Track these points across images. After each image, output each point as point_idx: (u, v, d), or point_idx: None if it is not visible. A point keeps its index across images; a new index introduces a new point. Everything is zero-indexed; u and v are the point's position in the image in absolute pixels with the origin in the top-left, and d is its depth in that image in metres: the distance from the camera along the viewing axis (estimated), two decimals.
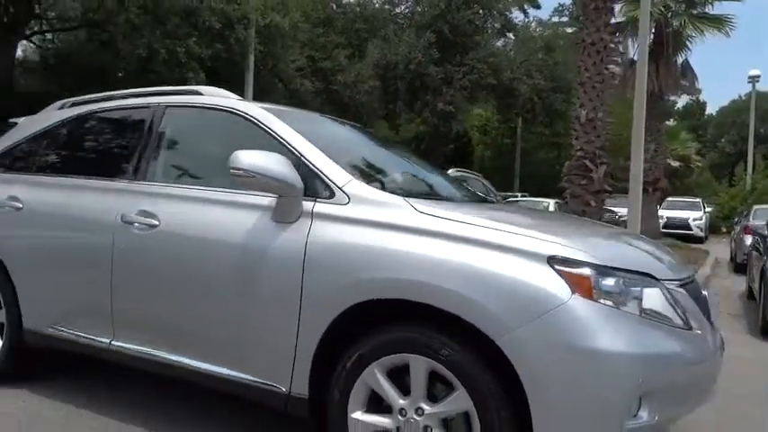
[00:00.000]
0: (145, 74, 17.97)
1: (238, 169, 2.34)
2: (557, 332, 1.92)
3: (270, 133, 2.68)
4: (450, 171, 4.08)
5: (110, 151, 3.32)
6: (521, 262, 2.02)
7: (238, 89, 17.41)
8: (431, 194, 3.06)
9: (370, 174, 2.92)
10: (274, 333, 2.37)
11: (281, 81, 20.87)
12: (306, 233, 2.37)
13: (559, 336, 1.92)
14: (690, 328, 2.17)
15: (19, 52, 19.90)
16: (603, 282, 2.01)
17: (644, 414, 1.99)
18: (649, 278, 2.13)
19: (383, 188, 2.64)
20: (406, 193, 2.54)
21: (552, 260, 2.00)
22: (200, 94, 3.10)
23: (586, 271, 2.00)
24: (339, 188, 2.44)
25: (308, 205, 2.44)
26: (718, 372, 2.38)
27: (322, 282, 2.29)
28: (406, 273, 2.16)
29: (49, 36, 21.04)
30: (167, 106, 3.10)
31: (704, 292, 2.47)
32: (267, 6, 17.39)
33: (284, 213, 2.44)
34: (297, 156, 2.56)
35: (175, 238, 2.69)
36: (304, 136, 2.66)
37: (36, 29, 19.57)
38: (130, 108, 3.29)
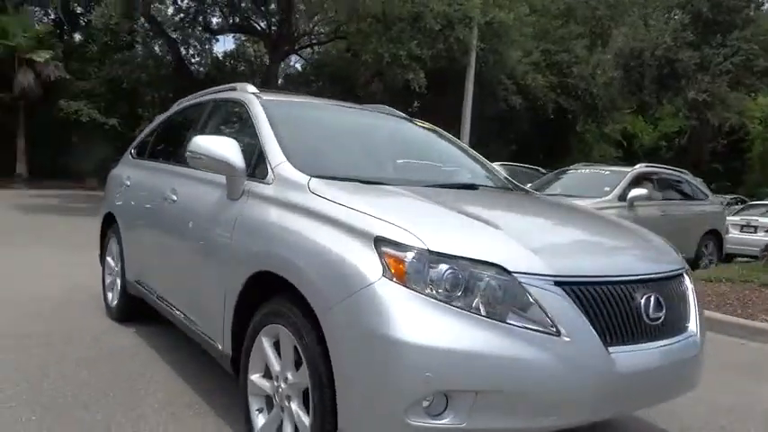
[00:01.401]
0: (379, 77, 19.81)
1: (191, 152, 2.70)
2: (358, 312, 1.86)
3: (251, 120, 2.97)
4: (495, 164, 3.87)
5: (176, 139, 4.02)
6: (352, 241, 1.99)
7: (459, 86, 17.99)
8: (372, 179, 2.63)
9: (321, 157, 2.90)
10: (211, 297, 2.69)
11: (510, 77, 20.73)
12: (241, 209, 2.63)
13: (359, 316, 1.86)
14: (553, 333, 1.85)
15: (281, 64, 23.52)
16: (423, 267, 1.85)
17: (449, 415, 1.79)
18: (496, 269, 1.87)
19: (313, 170, 2.54)
20: (328, 175, 2.50)
21: (378, 241, 1.92)
22: (235, 89, 3.54)
23: (405, 254, 1.87)
24: (271, 169, 2.61)
25: (247, 184, 2.67)
26: (601, 389, 1.94)
27: (237, 255, 2.51)
28: (276, 247, 2.29)
29: (314, 49, 24.49)
30: (214, 101, 3.65)
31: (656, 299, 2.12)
32: (489, 4, 17.52)
33: (231, 191, 2.70)
34: (258, 140, 2.81)
35: (181, 211, 3.21)
36: (276, 124, 2.85)
37: (302, 44, 22.94)
38: (198, 104, 3.93)
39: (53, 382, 3.08)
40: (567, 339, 1.86)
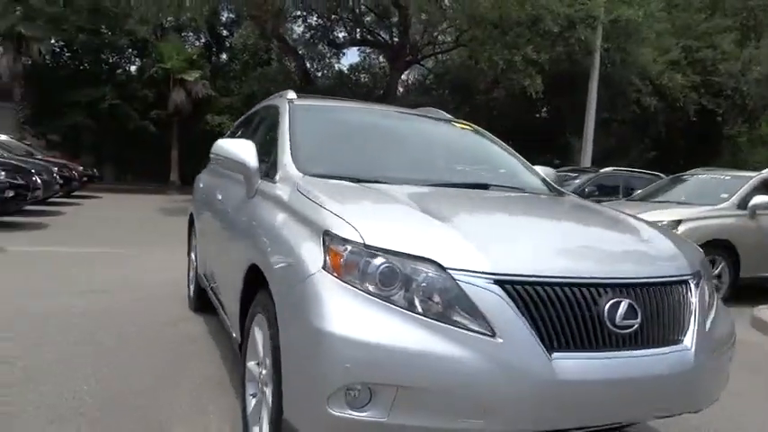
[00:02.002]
0: (496, 84, 19.56)
1: (213, 153, 2.96)
2: (299, 302, 1.94)
3: (277, 124, 3.20)
4: (537, 167, 3.71)
5: None
6: (308, 234, 2.09)
7: (582, 90, 17.19)
8: (370, 178, 2.69)
9: (327, 157, 3.01)
10: (229, 290, 2.92)
11: (642, 77, 19.36)
12: (254, 207, 2.79)
13: (299, 306, 1.93)
14: (486, 334, 1.79)
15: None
16: (359, 260, 1.88)
17: (371, 409, 1.78)
18: (432, 265, 1.85)
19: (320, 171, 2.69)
20: (325, 174, 2.64)
21: (324, 234, 2.00)
22: (281, 96, 3.79)
23: (343, 248, 1.92)
24: (279, 170, 2.78)
25: (260, 184, 2.84)
26: (540, 397, 1.80)
27: (243, 249, 2.71)
28: (260, 241, 2.44)
29: (438, 58, 24.76)
30: (263, 107, 3.97)
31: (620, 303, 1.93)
32: (614, 2, 16.59)
33: (247, 190, 2.90)
34: (277, 143, 3.01)
35: (221, 210, 3.51)
36: (296, 127, 3.05)
37: (425, 53, 23.30)
38: (255, 111, 4.27)
39: (124, 347, 3.72)
40: (500, 341, 1.78)
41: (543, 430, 1.86)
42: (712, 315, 2.25)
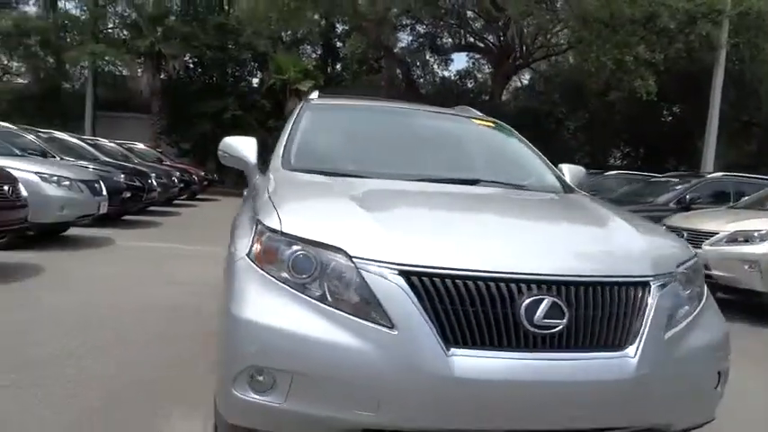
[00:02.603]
0: (610, 87, 18.54)
1: (219, 150, 3.11)
2: (226, 286, 2.04)
3: (288, 122, 3.35)
4: (564, 165, 3.51)
5: None
6: (250, 222, 2.20)
7: (704, 90, 15.82)
8: (351, 173, 2.75)
9: (318, 153, 3.11)
10: None
11: None
12: (245, 198, 2.98)
13: (225, 289, 2.03)
14: (383, 324, 1.76)
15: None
16: (276, 248, 1.93)
17: (271, 393, 1.81)
18: (340, 253, 1.85)
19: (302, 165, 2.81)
20: (306, 169, 2.73)
21: (256, 223, 2.08)
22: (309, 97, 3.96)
23: (265, 235, 1.98)
24: (270, 165, 2.89)
25: (257, 178, 2.97)
26: (435, 393, 1.74)
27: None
28: (233, 229, 2.50)
29: (550, 60, 24.03)
30: (298, 108, 4.15)
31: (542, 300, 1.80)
32: None
33: (248, 185, 3.13)
34: (278, 140, 3.14)
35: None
36: (302, 125, 3.21)
37: (536, 57, 22.71)
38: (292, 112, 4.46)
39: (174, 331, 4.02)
40: (396, 333, 1.74)
41: (441, 429, 1.78)
42: (685, 323, 2.03)
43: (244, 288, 1.93)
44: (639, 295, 1.93)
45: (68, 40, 24.45)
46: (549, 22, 18.47)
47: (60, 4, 25.78)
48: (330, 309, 1.81)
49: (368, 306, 1.78)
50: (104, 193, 8.23)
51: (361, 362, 1.75)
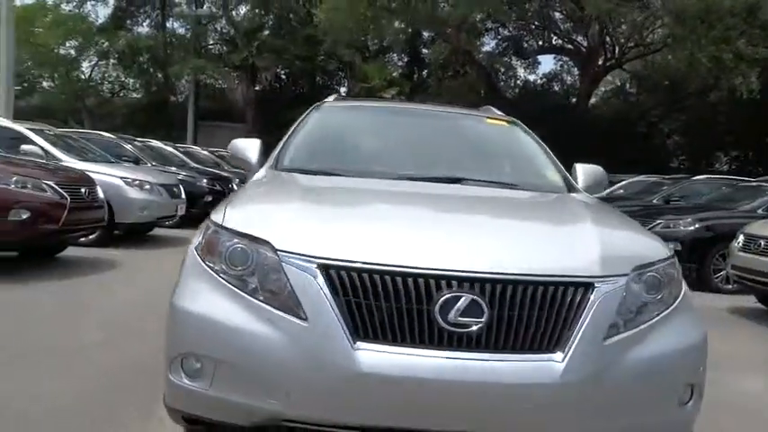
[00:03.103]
0: (711, 86, 17.33)
1: (227, 151, 3.27)
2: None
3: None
4: (580, 165, 3.36)
5: None
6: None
7: None
8: (335, 171, 2.85)
9: (311, 153, 3.15)
10: None
11: None
12: None
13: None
14: (297, 316, 1.77)
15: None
16: (217, 241, 1.98)
17: (201, 380, 1.87)
18: (267, 246, 1.88)
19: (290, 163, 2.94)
20: (294, 168, 2.85)
21: (207, 218, 2.17)
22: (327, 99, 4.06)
23: (210, 230, 2.05)
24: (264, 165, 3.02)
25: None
26: (339, 386, 1.73)
27: None
28: None
29: (646, 60, 22.81)
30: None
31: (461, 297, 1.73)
32: None
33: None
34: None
35: None
36: (307, 126, 3.33)
37: (629, 56, 21.66)
38: None
39: None
40: (307, 325, 1.75)
41: (348, 423, 1.77)
42: (639, 329, 1.87)
43: (185, 279, 2.01)
44: (577, 297, 1.80)
45: (174, 56, 26.46)
46: (643, 20, 17.56)
47: (168, 24, 28.01)
48: (255, 300, 1.84)
49: (288, 298, 1.80)
50: (183, 196, 8.88)
51: (272, 351, 1.78)
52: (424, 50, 27.14)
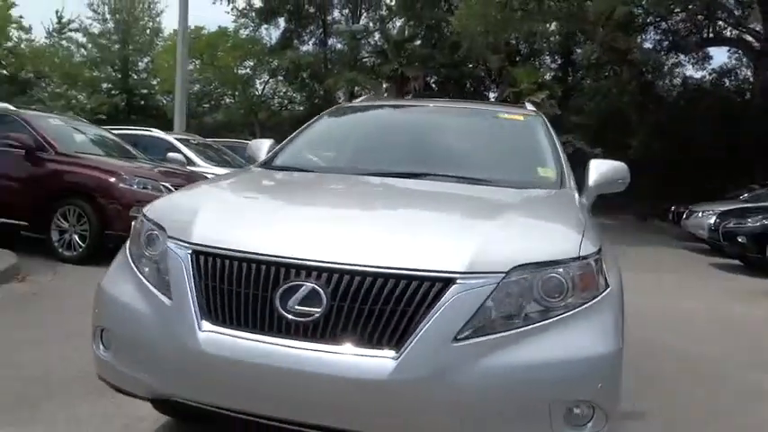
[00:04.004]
0: None
1: (247, 150, 3.47)
2: None
3: None
4: (595, 161, 3.12)
5: None
6: None
7: None
8: (316, 168, 3.04)
9: (302, 150, 3.31)
10: None
11: None
12: None
13: None
14: (165, 294, 1.92)
15: None
16: (140, 228, 2.15)
17: (108, 349, 2.05)
18: (162, 231, 2.05)
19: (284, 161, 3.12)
20: (278, 166, 3.05)
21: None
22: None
23: (138, 219, 2.23)
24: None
25: None
26: (183, 363, 1.84)
27: None
28: None
29: None
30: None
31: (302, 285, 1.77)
32: None
33: None
34: None
35: None
36: (313, 125, 3.53)
37: None
38: None
39: None
40: (168, 303, 1.89)
41: (204, 403, 1.87)
42: (506, 334, 1.74)
43: (114, 262, 2.24)
44: (429, 293, 1.72)
45: (332, 70, 28.41)
46: None
47: (329, 41, 30.15)
48: (144, 280, 2.01)
49: (163, 279, 1.95)
50: None
51: (144, 327, 1.94)
52: (578, 51, 25.90)
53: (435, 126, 3.62)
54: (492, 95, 28.14)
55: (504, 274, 1.77)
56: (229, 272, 1.84)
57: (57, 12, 33.07)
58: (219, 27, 29.31)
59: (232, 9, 28.43)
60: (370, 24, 29.42)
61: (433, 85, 28.22)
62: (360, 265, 1.77)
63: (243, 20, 29.44)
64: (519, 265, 1.80)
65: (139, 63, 32.79)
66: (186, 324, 1.83)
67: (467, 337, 1.71)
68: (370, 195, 2.67)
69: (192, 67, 31.18)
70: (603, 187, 3.03)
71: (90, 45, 32.42)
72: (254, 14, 28.98)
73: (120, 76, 31.73)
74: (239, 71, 30.49)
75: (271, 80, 31.17)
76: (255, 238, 1.93)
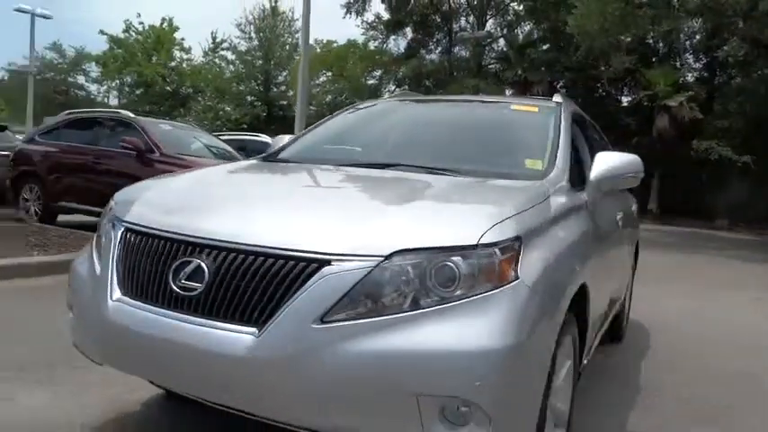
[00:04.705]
0: None
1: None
2: None
3: None
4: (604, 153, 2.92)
5: None
6: None
7: None
8: (315, 160, 3.06)
9: (310, 143, 3.41)
10: None
11: None
12: None
13: None
14: (99, 267, 2.11)
15: None
16: (106, 209, 2.34)
17: (72, 315, 2.27)
18: (112, 210, 2.27)
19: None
20: (282, 159, 3.16)
21: None
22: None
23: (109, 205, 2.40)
24: None
25: None
26: (98, 332, 2.04)
27: None
28: None
29: None
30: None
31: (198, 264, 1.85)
32: None
33: None
34: None
35: None
36: (332, 119, 3.70)
37: None
38: None
39: None
40: (98, 275, 2.08)
41: (122, 371, 2.09)
42: (376, 320, 1.68)
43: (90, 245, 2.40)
44: (300, 273, 1.72)
45: (456, 77, 28.51)
46: None
47: (454, 49, 30.31)
48: (95, 253, 2.21)
49: (104, 253, 2.12)
50: None
51: (82, 296, 2.18)
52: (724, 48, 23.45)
53: (437, 120, 3.64)
54: (625, 100, 26.45)
55: (382, 258, 1.71)
56: (142, 247, 1.99)
57: (212, 33, 36.98)
58: (348, 40, 30.76)
59: (362, 22, 29.73)
60: (496, 30, 29.10)
61: (561, 88, 27.15)
62: (240, 244, 1.82)
63: (372, 32, 30.62)
64: (400, 250, 1.73)
65: (279, 77, 35.41)
66: (102, 294, 2.00)
67: (334, 320, 1.67)
68: (308, 183, 2.74)
69: (323, 79, 33.10)
70: (610, 182, 2.84)
71: (237, 62, 35.67)
72: (382, 27, 30.00)
73: (261, 89, 34.55)
74: (367, 81, 31.69)
75: (397, 89, 32.05)
76: (167, 217, 2.06)
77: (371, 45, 31.24)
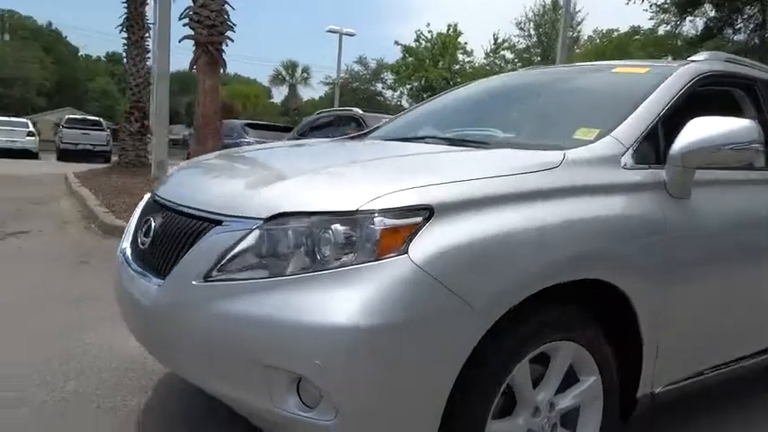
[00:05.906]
0: None
1: None
2: None
3: None
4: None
5: None
6: None
7: None
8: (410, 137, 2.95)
9: (408, 123, 3.43)
10: None
11: None
12: None
13: None
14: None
15: None
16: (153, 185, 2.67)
17: None
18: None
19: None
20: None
21: None
22: None
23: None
24: None
25: None
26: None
27: None
28: None
29: None
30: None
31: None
32: None
33: None
34: None
35: None
36: (440, 96, 3.73)
37: None
38: None
39: None
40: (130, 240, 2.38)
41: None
42: (245, 282, 1.67)
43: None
44: (199, 232, 1.83)
45: None
46: None
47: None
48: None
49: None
50: None
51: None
52: None
53: (520, 89, 3.39)
54: None
55: (262, 221, 1.69)
56: (148, 213, 2.28)
57: (493, 34, 37.74)
58: (631, 27, 28.01)
59: (650, 6, 26.68)
60: None
61: None
62: (176, 204, 2.06)
63: (663, 15, 27.24)
64: (280, 214, 1.69)
65: None
66: (119, 248, 2.35)
67: (208, 279, 1.71)
68: (286, 155, 2.81)
69: None
70: (703, 156, 2.17)
71: (516, 60, 35.67)
72: (674, 8, 26.46)
73: None
74: None
75: None
76: (163, 186, 2.40)
77: (661, 30, 27.85)
